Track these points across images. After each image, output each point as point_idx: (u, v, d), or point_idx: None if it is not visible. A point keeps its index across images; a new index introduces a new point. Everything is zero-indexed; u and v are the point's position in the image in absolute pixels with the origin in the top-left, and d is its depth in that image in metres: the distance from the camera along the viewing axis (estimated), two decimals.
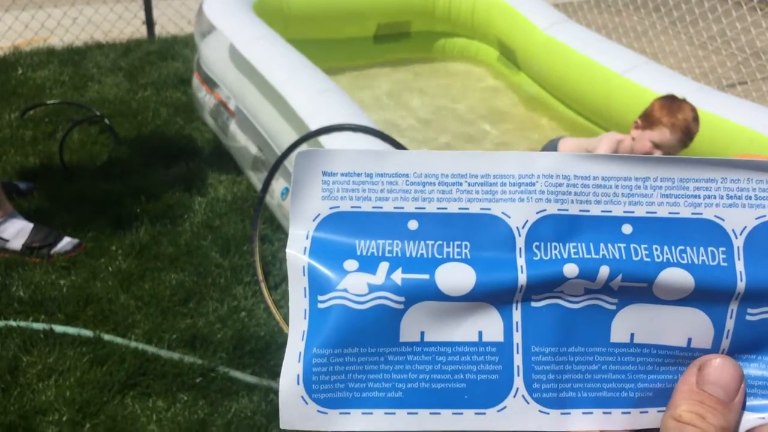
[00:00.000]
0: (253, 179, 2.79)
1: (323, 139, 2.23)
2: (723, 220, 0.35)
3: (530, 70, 3.59)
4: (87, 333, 2.02)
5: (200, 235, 2.48)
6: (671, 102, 2.35)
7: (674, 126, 2.29)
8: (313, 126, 2.27)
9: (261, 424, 1.80)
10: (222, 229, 2.51)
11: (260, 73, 2.64)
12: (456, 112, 3.51)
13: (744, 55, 4.25)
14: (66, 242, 2.36)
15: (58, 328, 2.02)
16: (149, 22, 4.30)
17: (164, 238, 2.46)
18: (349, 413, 0.35)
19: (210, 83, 3.15)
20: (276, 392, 1.86)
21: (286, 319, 2.14)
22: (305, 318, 0.35)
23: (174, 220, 2.55)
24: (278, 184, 2.53)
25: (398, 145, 2.24)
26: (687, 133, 2.31)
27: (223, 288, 2.25)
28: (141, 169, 2.86)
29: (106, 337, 2.00)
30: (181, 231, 2.50)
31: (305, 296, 0.35)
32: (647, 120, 2.34)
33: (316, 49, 3.37)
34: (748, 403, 0.34)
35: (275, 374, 1.96)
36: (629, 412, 0.35)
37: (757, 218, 0.35)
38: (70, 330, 2.03)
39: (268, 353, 2.02)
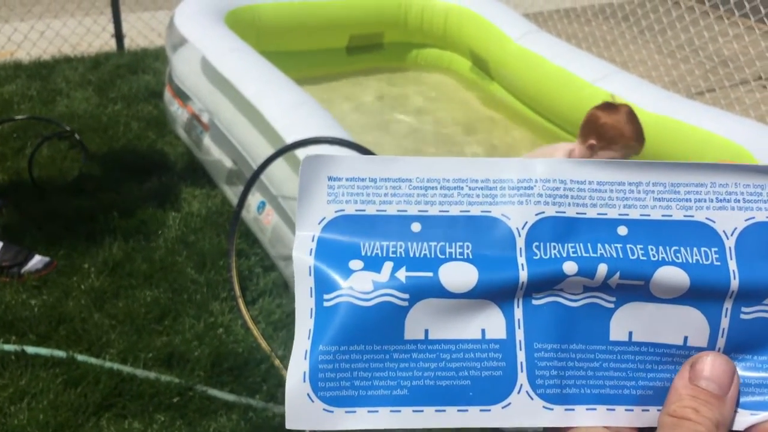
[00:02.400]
0: (228, 193, 2.76)
1: (299, 151, 2.22)
2: (714, 222, 0.37)
3: (503, 79, 3.61)
4: (60, 354, 1.97)
5: (175, 250, 2.45)
6: (616, 114, 2.36)
7: (633, 141, 2.35)
8: (289, 139, 2.25)
9: None
10: (197, 245, 2.48)
11: (234, 86, 2.62)
12: (429, 122, 3.51)
13: (712, 64, 4.32)
14: (37, 261, 2.31)
15: (30, 349, 1.97)
16: (118, 35, 4.26)
17: (138, 254, 2.42)
18: (354, 411, 0.35)
19: (182, 96, 3.12)
20: (255, 410, 1.84)
21: (263, 335, 2.11)
22: (311, 317, 0.36)
23: (148, 236, 2.52)
24: (254, 198, 2.51)
25: None
26: (642, 137, 2.38)
27: (199, 304, 2.22)
28: (113, 185, 2.82)
29: (80, 357, 1.96)
30: (155, 247, 2.46)
31: (311, 296, 0.36)
32: (603, 139, 2.36)
33: (289, 61, 3.36)
34: (744, 400, 0.35)
35: (254, 391, 1.93)
36: (632, 410, 0.36)
37: (746, 220, 0.37)
38: (43, 351, 1.98)
39: (246, 370, 1.99)
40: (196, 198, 2.77)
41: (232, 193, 2.71)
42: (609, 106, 2.41)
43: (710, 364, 0.35)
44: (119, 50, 4.25)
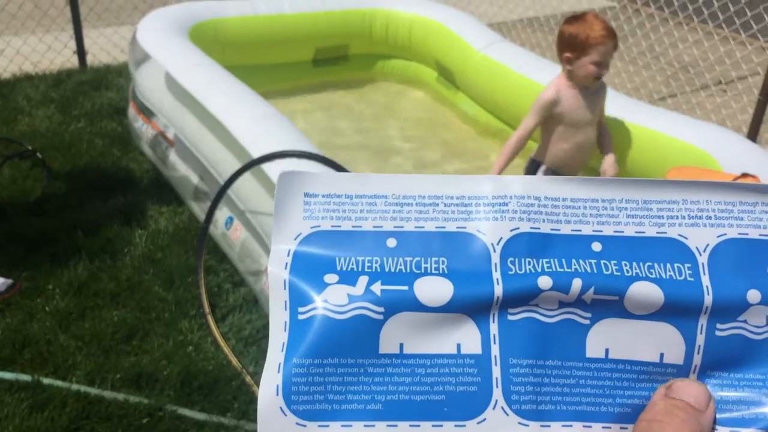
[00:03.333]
0: (195, 209, 2.73)
1: (267, 166, 2.20)
2: (686, 238, 0.37)
3: (468, 89, 3.63)
4: (25, 377, 1.93)
5: (142, 269, 2.41)
6: (583, 21, 2.43)
7: (603, 37, 2.39)
8: (256, 153, 2.24)
9: None
10: (165, 262, 2.45)
11: (199, 101, 2.60)
12: (397, 132, 3.52)
13: (673, 69, 4.39)
14: None
15: None
16: (80, 52, 4.20)
17: (104, 273, 2.38)
18: (328, 426, 0.35)
19: (147, 113, 3.09)
20: (226, 428, 1.81)
21: (234, 351, 2.09)
22: (285, 330, 0.36)
23: (114, 255, 2.48)
24: (222, 214, 2.49)
25: (341, 170, 2.22)
26: (613, 33, 2.43)
27: (167, 323, 2.19)
28: (77, 204, 2.77)
29: (46, 380, 1.92)
30: (121, 266, 2.43)
31: (285, 309, 0.36)
32: (576, 48, 2.41)
33: (255, 75, 3.35)
34: (723, 417, 0.35)
35: (225, 409, 1.90)
36: (609, 427, 0.36)
37: (718, 236, 0.37)
38: (7, 375, 1.93)
39: (217, 388, 1.96)
40: (163, 215, 2.73)
41: (200, 209, 2.68)
42: (572, 18, 2.47)
43: (686, 383, 0.35)
44: (82, 67, 4.20)
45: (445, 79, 3.83)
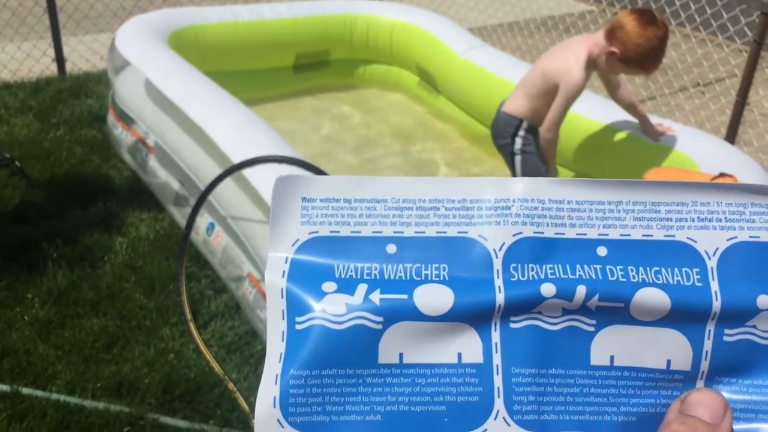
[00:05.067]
0: (176, 216, 2.71)
1: (247, 171, 2.19)
2: (695, 242, 0.36)
3: (450, 93, 3.64)
4: (3, 388, 1.90)
5: (122, 276, 2.39)
6: (659, 43, 2.33)
7: (653, 69, 2.40)
8: (236, 159, 2.23)
9: None
10: (145, 269, 2.43)
11: (179, 108, 2.59)
12: (378, 137, 3.52)
13: None
14: None
15: None
16: (59, 60, 4.17)
17: (84, 282, 2.36)
18: None
19: (126, 119, 3.07)
20: None
21: (216, 358, 2.07)
22: (283, 340, 0.35)
23: (93, 263, 2.46)
24: (203, 220, 2.47)
25: (323, 174, 2.22)
26: (657, 66, 2.42)
27: (149, 330, 2.17)
28: (56, 212, 2.75)
29: (25, 390, 1.90)
30: (101, 274, 2.41)
31: (283, 318, 0.35)
32: (630, 58, 2.34)
33: (235, 81, 3.34)
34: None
35: (208, 417, 1.89)
36: None
37: (728, 240, 0.36)
38: None
39: (199, 395, 1.95)
40: (144, 222, 2.71)
41: (180, 216, 2.67)
42: (649, 22, 2.34)
43: (702, 393, 0.34)
44: (60, 74, 4.17)
45: (426, 83, 3.83)
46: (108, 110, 3.28)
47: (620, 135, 2.78)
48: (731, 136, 3.31)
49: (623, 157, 2.78)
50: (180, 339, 2.14)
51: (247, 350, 2.14)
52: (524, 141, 2.61)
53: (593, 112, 2.88)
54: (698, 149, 2.57)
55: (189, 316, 2.22)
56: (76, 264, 2.43)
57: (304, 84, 3.90)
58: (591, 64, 2.45)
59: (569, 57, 2.46)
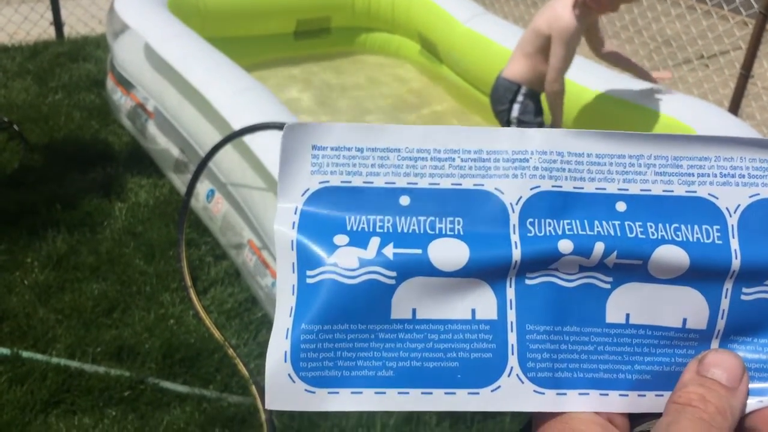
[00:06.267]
0: (175, 182, 2.70)
1: (247, 138, 2.18)
2: (717, 198, 0.35)
3: (452, 62, 3.61)
4: (4, 351, 1.91)
5: (122, 242, 2.39)
6: None
7: None
8: (237, 125, 2.21)
9: None
10: (145, 235, 2.43)
11: (179, 73, 2.56)
12: (379, 106, 3.50)
13: (655, 43, 4.39)
14: None
15: None
16: (57, 23, 4.13)
17: (83, 247, 2.35)
18: (337, 392, 0.33)
19: (126, 84, 3.04)
20: (208, 401, 1.81)
21: (216, 324, 2.08)
22: (293, 294, 0.34)
23: (93, 228, 2.45)
24: (203, 186, 2.47)
25: None
26: None
27: (149, 296, 2.18)
28: (55, 177, 2.74)
29: (25, 354, 1.90)
30: (101, 239, 2.40)
31: (293, 272, 0.34)
32: None
33: (235, 47, 3.30)
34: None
35: (207, 382, 1.90)
36: (627, 395, 0.34)
37: (750, 196, 0.35)
38: None
39: (199, 361, 1.96)
40: (143, 188, 2.70)
41: (180, 182, 2.66)
42: None
43: (719, 355, 0.33)
44: (59, 38, 4.12)
45: (428, 52, 3.80)
46: (107, 75, 3.25)
47: (625, 106, 2.77)
48: (734, 109, 3.29)
49: (627, 129, 2.76)
50: (180, 305, 2.15)
51: (246, 317, 2.15)
52: (522, 107, 2.59)
53: (593, 82, 2.86)
54: (699, 119, 2.56)
55: (189, 282, 2.22)
56: (75, 229, 2.43)
57: (304, 51, 3.87)
58: (581, 8, 2.44)
59: (556, 6, 2.48)
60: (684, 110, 2.63)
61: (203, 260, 2.35)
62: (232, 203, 2.32)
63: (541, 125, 2.59)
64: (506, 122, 2.64)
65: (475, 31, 3.38)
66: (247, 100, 2.35)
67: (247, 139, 2.17)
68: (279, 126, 2.19)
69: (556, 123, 2.58)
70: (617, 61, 2.73)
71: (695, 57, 4.17)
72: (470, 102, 3.50)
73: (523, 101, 2.59)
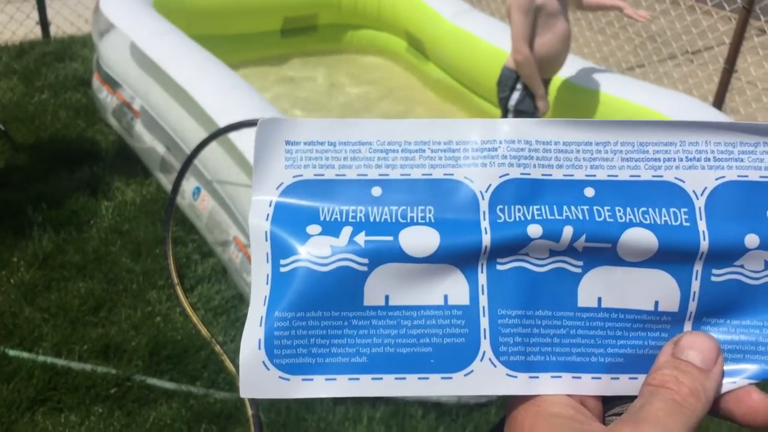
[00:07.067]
0: (162, 180, 2.70)
1: (233, 135, 2.18)
2: (683, 181, 0.35)
3: (438, 59, 3.62)
4: None
5: (109, 240, 2.39)
6: None
7: None
8: (222, 123, 2.21)
9: (181, 431, 1.75)
10: (132, 234, 2.43)
11: (164, 71, 2.56)
12: (366, 103, 3.51)
13: (641, 39, 4.41)
14: None
15: None
16: (43, 23, 4.11)
17: (70, 246, 2.35)
18: (312, 379, 0.34)
19: (111, 83, 3.04)
20: (195, 397, 1.82)
21: (203, 321, 2.08)
22: (267, 283, 0.34)
23: (80, 227, 2.45)
24: (189, 184, 2.47)
25: None
26: None
27: (135, 294, 2.18)
28: (41, 176, 2.73)
29: (12, 352, 1.90)
30: (87, 238, 2.40)
31: (267, 261, 0.35)
32: None
33: (221, 45, 3.30)
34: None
35: (194, 378, 1.91)
36: (599, 378, 0.35)
37: (717, 179, 0.35)
38: None
39: (185, 357, 1.96)
40: (130, 186, 2.70)
41: (167, 180, 2.66)
42: None
43: (693, 337, 0.34)
44: (45, 38, 4.11)
45: (414, 48, 3.81)
46: (93, 74, 3.25)
47: (611, 101, 2.78)
48: (719, 104, 3.32)
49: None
50: (167, 302, 2.15)
51: (233, 313, 2.15)
52: (521, 96, 2.60)
53: (580, 78, 2.87)
54: (684, 114, 2.58)
55: (176, 279, 2.22)
56: (61, 228, 2.43)
57: (291, 49, 3.87)
58: None
59: None
60: (669, 105, 2.65)
61: (190, 258, 2.35)
62: (218, 200, 2.33)
63: (533, 116, 2.60)
64: (504, 110, 2.65)
65: (461, 27, 3.39)
66: (232, 98, 2.35)
67: (232, 136, 2.18)
68: None
69: (534, 94, 2.58)
70: (598, 4, 2.82)
71: (680, 52, 4.20)
72: (457, 98, 3.51)
73: (522, 90, 2.59)
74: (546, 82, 2.65)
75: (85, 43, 3.95)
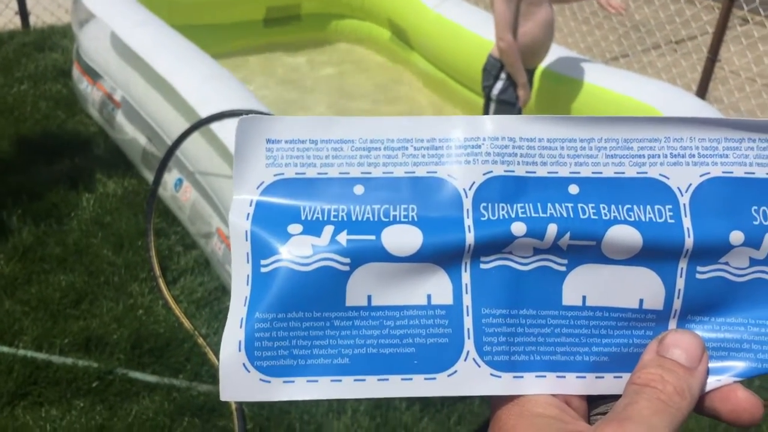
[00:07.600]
0: (144, 172, 2.68)
1: (215, 125, 2.16)
2: (668, 178, 0.35)
3: (422, 48, 3.61)
4: None
5: (90, 232, 2.37)
6: None
7: None
8: (204, 113, 2.19)
9: (164, 425, 1.74)
10: (113, 226, 2.40)
11: (145, 61, 2.53)
12: (350, 93, 3.49)
13: (624, 29, 4.42)
14: None
15: None
16: (23, 13, 4.06)
17: (50, 238, 2.33)
18: (293, 381, 0.33)
19: (92, 74, 3.00)
20: (178, 390, 1.81)
21: (186, 313, 2.07)
22: (247, 284, 0.34)
23: (60, 219, 2.42)
24: (171, 176, 2.45)
25: None
26: None
27: (117, 286, 2.16)
28: (21, 167, 2.70)
29: None
30: (68, 230, 2.38)
31: (247, 261, 0.34)
32: None
33: (203, 35, 3.27)
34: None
35: (177, 371, 1.89)
36: (584, 377, 0.34)
37: (701, 175, 0.35)
38: None
39: (168, 350, 1.95)
40: (111, 178, 2.68)
41: (149, 172, 2.63)
42: None
43: (679, 335, 0.33)
44: (24, 28, 4.06)
45: (398, 38, 3.79)
46: (73, 64, 3.21)
47: (595, 91, 2.78)
48: (702, 93, 3.33)
49: (597, 114, 2.78)
50: (149, 295, 2.13)
51: (216, 305, 2.14)
52: (504, 85, 2.59)
53: (564, 68, 2.87)
54: (668, 104, 2.58)
55: (158, 272, 2.21)
56: (42, 220, 2.40)
57: (274, 38, 3.84)
58: None
59: None
60: (653, 94, 2.65)
61: (173, 250, 2.33)
62: (201, 192, 2.31)
63: (520, 111, 2.59)
64: (487, 98, 2.64)
65: (444, 16, 3.38)
66: (214, 88, 2.33)
67: (214, 127, 2.16)
68: (246, 113, 2.18)
69: (517, 82, 2.57)
70: None
71: (664, 42, 4.20)
72: (441, 88, 3.50)
73: (506, 80, 2.58)
74: (530, 73, 2.65)
75: (65, 33, 3.90)
